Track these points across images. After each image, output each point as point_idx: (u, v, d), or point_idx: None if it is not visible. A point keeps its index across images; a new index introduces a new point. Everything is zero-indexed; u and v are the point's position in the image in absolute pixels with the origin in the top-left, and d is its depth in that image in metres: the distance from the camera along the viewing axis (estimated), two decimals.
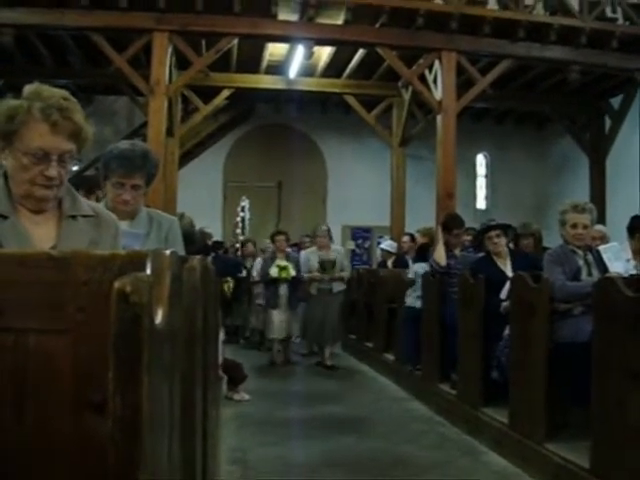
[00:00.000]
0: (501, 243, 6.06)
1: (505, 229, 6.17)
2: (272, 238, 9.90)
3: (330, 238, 9.71)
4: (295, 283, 9.39)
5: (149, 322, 0.77)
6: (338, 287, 9.55)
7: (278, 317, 9.34)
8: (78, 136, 2.02)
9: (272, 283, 9.41)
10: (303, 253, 10.00)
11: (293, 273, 9.29)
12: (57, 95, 1.99)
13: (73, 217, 2.10)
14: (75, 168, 7.94)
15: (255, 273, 10.43)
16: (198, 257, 2.18)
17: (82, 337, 0.90)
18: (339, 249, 10.18)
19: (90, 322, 0.96)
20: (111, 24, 9.27)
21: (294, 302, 9.45)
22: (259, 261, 10.38)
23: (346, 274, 9.72)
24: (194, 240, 5.51)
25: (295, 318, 9.51)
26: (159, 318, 0.88)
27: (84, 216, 2.12)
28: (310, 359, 10.00)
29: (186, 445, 1.66)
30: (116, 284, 0.75)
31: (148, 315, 0.77)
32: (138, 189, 2.95)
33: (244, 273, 11.16)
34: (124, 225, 2.71)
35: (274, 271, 9.28)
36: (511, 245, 6.77)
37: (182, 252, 3.02)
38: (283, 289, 9.38)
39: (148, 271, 0.94)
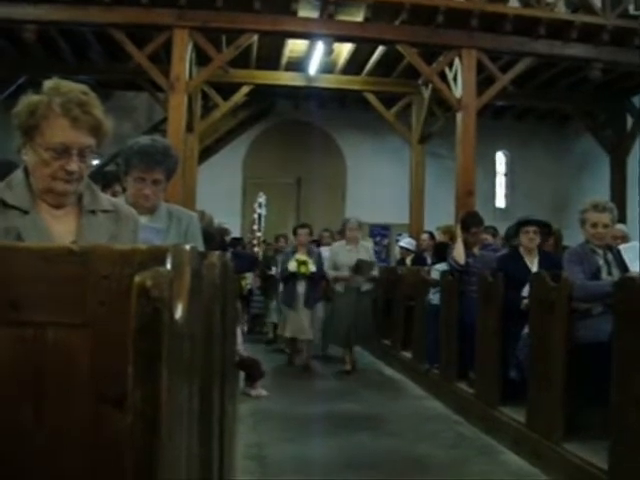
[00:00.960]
0: (536, 239, 6.00)
1: (545, 228, 6.10)
2: (294, 231, 9.38)
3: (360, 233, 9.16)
4: (315, 280, 8.86)
5: (169, 317, 0.77)
6: (366, 285, 8.89)
7: (295, 316, 8.78)
8: (98, 131, 2.03)
9: (290, 278, 8.85)
10: (325, 248, 9.65)
11: (313, 268, 8.73)
12: (76, 90, 2.00)
13: (93, 212, 2.11)
14: (95, 162, 7.99)
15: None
16: (217, 253, 2.19)
17: (102, 331, 0.90)
18: (368, 245, 9.55)
19: (110, 316, 0.96)
20: (132, 20, 9.32)
21: (312, 301, 8.85)
22: (282, 256, 9.89)
23: (375, 273, 9.06)
24: (212, 239, 5.53)
25: (313, 318, 8.86)
26: (179, 313, 0.88)
27: (104, 211, 2.14)
28: (328, 363, 9.35)
29: (204, 441, 1.67)
30: (136, 278, 0.75)
31: (168, 310, 0.77)
32: (158, 184, 2.97)
33: (273, 270, 10.72)
34: (144, 220, 2.73)
35: (293, 265, 8.75)
36: None
37: (201, 248, 3.03)
38: (301, 286, 8.80)
39: (168, 266, 0.94)
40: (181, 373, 0.91)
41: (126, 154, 3.00)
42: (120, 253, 1.01)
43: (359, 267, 8.56)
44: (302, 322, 8.74)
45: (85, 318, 0.95)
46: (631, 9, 10.45)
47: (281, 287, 9.60)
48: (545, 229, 6.12)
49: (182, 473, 0.95)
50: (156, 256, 0.98)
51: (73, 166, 1.99)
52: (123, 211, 2.21)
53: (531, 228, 5.96)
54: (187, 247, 1.06)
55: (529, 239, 5.93)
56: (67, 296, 1.00)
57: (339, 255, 8.81)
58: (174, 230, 2.98)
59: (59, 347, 0.97)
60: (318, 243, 10.64)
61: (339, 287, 8.83)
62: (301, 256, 8.81)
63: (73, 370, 0.96)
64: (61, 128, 1.96)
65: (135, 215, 2.26)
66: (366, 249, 9.05)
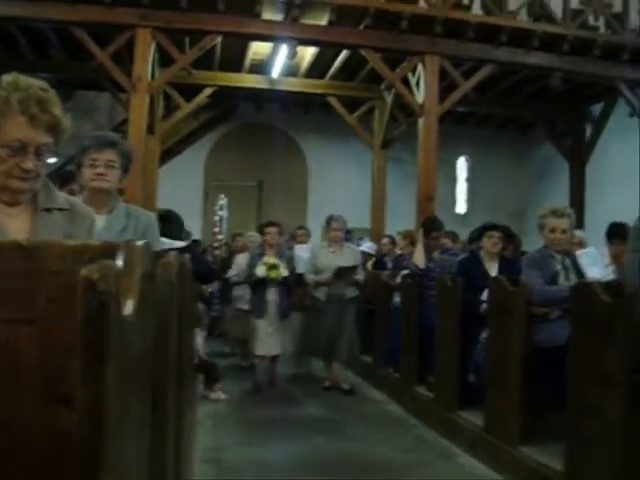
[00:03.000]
0: (500, 244, 6.08)
1: (509, 236, 6.17)
2: (261, 230, 8.23)
3: (347, 233, 8.28)
4: (287, 286, 7.73)
5: (116, 311, 0.75)
6: (351, 292, 7.80)
7: (265, 329, 7.59)
8: (56, 129, 2.00)
9: (258, 285, 7.68)
10: (300, 247, 8.64)
11: (285, 273, 7.59)
12: (35, 86, 1.96)
13: (48, 210, 2.08)
14: (52, 161, 7.89)
15: (235, 271, 9.05)
16: (174, 253, 2.17)
17: (50, 328, 0.88)
18: (354, 248, 8.37)
19: (59, 313, 0.93)
20: (94, 19, 9.18)
21: (285, 310, 7.70)
22: (243, 257, 8.90)
23: (361, 277, 7.91)
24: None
25: (286, 330, 7.78)
26: (129, 309, 0.86)
27: (59, 209, 2.10)
28: (303, 381, 8.28)
29: (157, 442, 1.64)
30: (83, 271, 0.73)
31: (116, 304, 0.75)
32: (113, 167, 2.97)
33: (230, 273, 9.51)
34: (101, 219, 2.70)
35: (261, 270, 7.55)
36: None
37: (159, 247, 3.01)
38: (272, 293, 7.63)
39: (119, 262, 0.92)
40: (130, 370, 0.89)
41: (81, 145, 3.01)
42: (71, 249, 0.98)
43: (341, 274, 7.59)
44: (274, 336, 7.63)
45: (33, 314, 0.92)
46: (590, 20, 10.63)
47: (237, 291, 8.88)
48: (507, 236, 6.20)
49: (131, 474, 0.93)
50: (107, 252, 0.96)
51: (29, 164, 1.95)
52: (79, 210, 2.18)
53: (496, 233, 6.05)
54: (139, 244, 1.05)
55: (493, 243, 6.01)
56: (15, 291, 0.98)
57: (320, 258, 7.77)
58: (132, 229, 2.96)
59: (6, 343, 0.94)
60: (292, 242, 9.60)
61: (320, 294, 7.71)
62: (270, 259, 7.65)
63: (20, 367, 0.93)
64: (18, 125, 1.92)
65: (92, 214, 2.23)
66: (351, 252, 7.97)
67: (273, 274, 7.54)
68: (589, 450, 3.60)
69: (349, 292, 7.73)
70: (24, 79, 1.97)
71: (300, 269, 7.99)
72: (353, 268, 7.68)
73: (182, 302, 2.58)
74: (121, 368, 0.79)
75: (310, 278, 7.77)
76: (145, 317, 1.10)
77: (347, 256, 7.75)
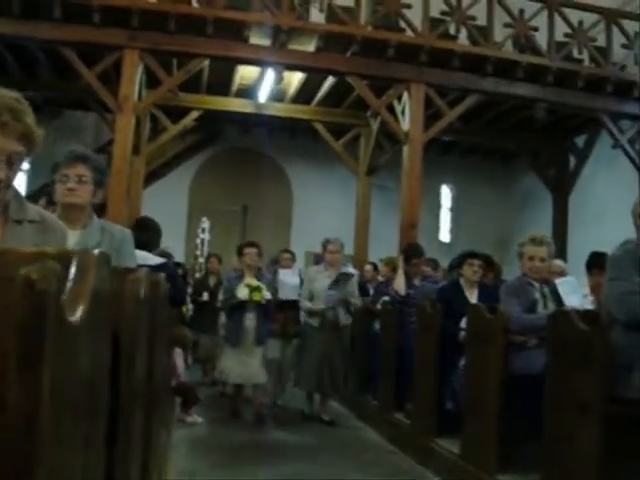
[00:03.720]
0: (480, 272, 6.09)
1: (490, 264, 6.17)
2: (240, 251, 7.68)
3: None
4: (266, 311, 7.31)
5: (57, 313, 0.73)
6: (346, 320, 7.41)
7: (241, 357, 7.15)
8: (28, 138, 1.98)
9: (236, 309, 7.23)
10: (287, 272, 8.13)
11: (268, 296, 7.20)
12: (7, 96, 1.94)
13: (19, 222, 2.05)
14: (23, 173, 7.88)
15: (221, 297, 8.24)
16: (146, 270, 2.15)
17: (3, 335, 0.85)
18: (353, 271, 7.93)
19: (11, 319, 0.91)
20: (83, 39, 9.19)
21: (263, 337, 7.29)
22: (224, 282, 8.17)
23: (358, 302, 7.59)
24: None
25: (261, 357, 7.28)
26: (78, 314, 0.85)
27: (30, 221, 2.08)
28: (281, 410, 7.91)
29: (118, 461, 1.61)
30: (22, 270, 0.71)
31: (56, 306, 0.73)
32: (84, 182, 2.94)
33: (205, 296, 9.23)
34: (74, 235, 2.68)
35: (243, 292, 7.10)
36: None
37: (133, 264, 2.98)
38: (250, 319, 7.18)
39: (73, 268, 0.90)
40: (77, 378, 0.87)
41: (54, 162, 2.99)
42: (26, 255, 0.96)
43: (343, 301, 7.23)
44: (252, 364, 7.16)
45: None
46: (575, 52, 10.76)
47: (223, 319, 8.06)
48: (487, 264, 6.21)
49: None
50: (63, 259, 0.94)
51: (0, 173, 1.93)
52: (51, 223, 2.16)
53: (476, 261, 6.07)
54: (95, 251, 1.03)
55: (473, 272, 6.03)
56: None
57: (316, 283, 7.29)
58: (106, 245, 2.92)
59: None
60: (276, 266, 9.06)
61: (313, 321, 7.30)
62: (252, 280, 7.23)
63: None
64: None
65: (63, 228, 2.21)
66: (347, 278, 7.48)
67: (256, 296, 7.11)
68: (564, 479, 3.58)
69: (345, 319, 7.33)
70: None
71: (284, 294, 7.70)
72: (351, 275, 7.45)
73: (153, 320, 2.55)
74: (63, 374, 0.77)
75: (305, 306, 7.36)
76: (100, 328, 1.08)
77: (345, 282, 7.35)
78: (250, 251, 7.45)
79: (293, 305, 7.59)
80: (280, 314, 7.68)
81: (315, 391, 7.42)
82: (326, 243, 7.43)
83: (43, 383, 0.68)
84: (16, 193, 2.08)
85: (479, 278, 6.11)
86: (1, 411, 0.66)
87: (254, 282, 7.21)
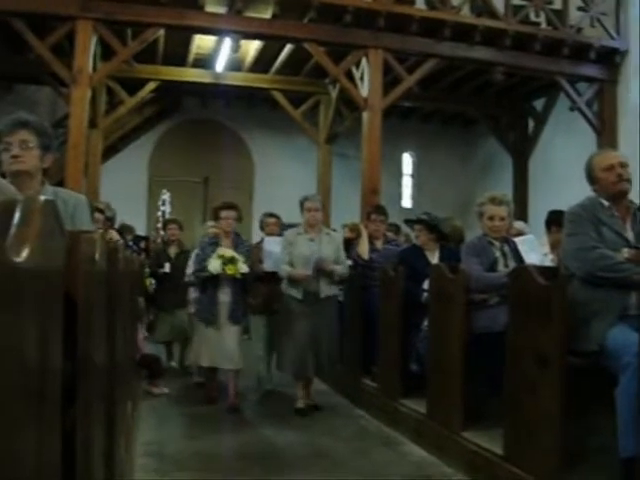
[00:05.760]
0: (422, 237, 6.13)
1: (429, 226, 6.13)
2: (215, 214, 6.67)
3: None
4: (243, 284, 6.43)
5: None
6: (329, 290, 6.35)
7: (214, 336, 6.32)
8: None
9: (210, 283, 6.36)
10: (274, 240, 7.04)
11: (244, 269, 6.23)
12: None
13: None
14: None
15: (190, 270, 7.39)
16: (100, 232, 2.12)
17: None
18: (335, 234, 6.88)
19: None
20: (33, 9, 8.95)
21: (238, 314, 6.43)
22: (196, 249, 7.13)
23: (343, 270, 6.44)
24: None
25: (238, 337, 6.43)
26: (22, 257, 0.83)
27: None
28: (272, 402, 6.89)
29: (81, 427, 1.59)
30: None
31: None
32: (29, 148, 2.88)
33: (167, 268, 8.15)
34: None
35: (215, 264, 6.19)
36: None
37: (90, 229, 2.94)
38: (225, 294, 6.35)
39: (17, 213, 0.88)
40: (20, 328, 0.85)
41: None
42: None
43: (320, 269, 6.21)
44: (226, 344, 6.30)
45: None
46: (532, 15, 10.78)
47: (194, 293, 7.28)
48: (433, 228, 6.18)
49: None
50: (6, 207, 0.92)
51: None
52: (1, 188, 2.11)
53: (417, 226, 6.17)
54: (42, 199, 1.01)
55: (416, 236, 6.18)
56: None
57: (296, 246, 6.31)
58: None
59: None
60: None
61: (294, 292, 6.25)
62: (226, 251, 6.29)
63: None
64: None
65: (13, 191, 2.15)
66: (332, 238, 6.53)
67: (230, 270, 6.18)
68: (527, 432, 3.64)
69: (327, 290, 6.31)
70: None
71: (269, 265, 6.85)
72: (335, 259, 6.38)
73: (113, 285, 2.53)
74: (2, 313, 0.75)
75: (285, 270, 6.27)
76: (49, 278, 1.06)
77: (328, 244, 6.38)
78: (228, 214, 6.48)
79: (279, 277, 6.52)
80: (263, 287, 6.88)
81: (298, 375, 6.34)
82: (304, 201, 6.45)
83: None
84: None
85: (425, 242, 6.11)
86: None
87: (228, 252, 6.26)
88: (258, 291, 6.91)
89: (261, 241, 7.42)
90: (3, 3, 8.83)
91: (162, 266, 8.16)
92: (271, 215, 7.90)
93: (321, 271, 6.20)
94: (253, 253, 6.92)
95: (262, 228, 7.87)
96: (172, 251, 8.39)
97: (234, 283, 6.33)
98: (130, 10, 9.31)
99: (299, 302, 6.21)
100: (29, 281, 0.87)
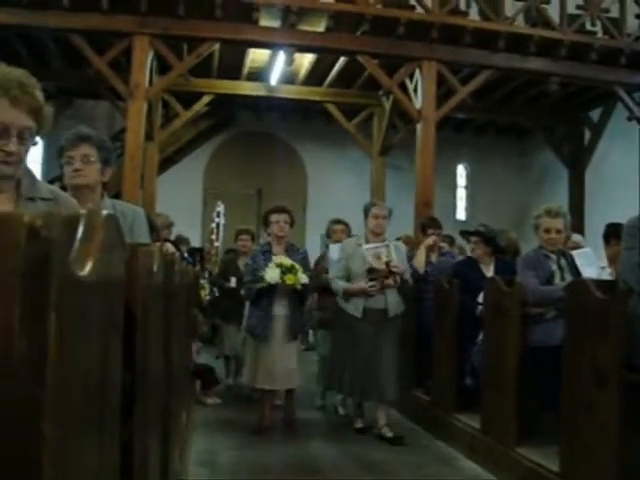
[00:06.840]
0: (477, 250, 6.07)
1: (486, 239, 6.06)
2: (265, 219, 6.05)
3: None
4: (301, 296, 5.86)
5: (61, 263, 0.73)
6: (396, 307, 5.78)
7: (268, 355, 5.74)
8: (38, 113, 1.99)
9: (263, 295, 5.75)
10: (336, 246, 6.42)
11: (304, 279, 5.66)
12: (15, 72, 1.96)
13: (31, 199, 2.06)
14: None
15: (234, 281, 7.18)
16: (158, 244, 2.15)
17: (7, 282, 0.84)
18: (400, 245, 6.37)
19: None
20: (92, 26, 9.18)
21: (297, 329, 5.89)
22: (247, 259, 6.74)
23: (409, 278, 5.98)
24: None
25: (296, 354, 5.89)
26: (86, 270, 0.85)
27: (43, 199, 2.09)
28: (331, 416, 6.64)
29: (138, 434, 1.62)
30: (25, 218, 0.71)
31: (61, 255, 0.73)
32: (90, 162, 2.94)
33: (233, 282, 7.52)
34: None
35: (273, 274, 5.57)
36: None
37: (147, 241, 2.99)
38: (281, 306, 5.78)
39: (81, 227, 0.90)
40: (84, 336, 0.87)
41: (58, 146, 3.01)
42: (38, 218, 0.96)
43: (391, 270, 5.61)
44: (285, 364, 5.76)
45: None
46: (587, 24, 10.62)
47: (246, 308, 6.47)
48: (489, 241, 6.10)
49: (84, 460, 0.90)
50: (71, 221, 0.94)
51: (12, 147, 1.94)
52: (63, 199, 2.17)
53: (473, 238, 6.08)
54: (104, 213, 1.03)
55: (472, 249, 6.07)
56: None
57: (355, 257, 5.74)
58: None
59: None
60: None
61: (352, 308, 5.70)
62: (284, 259, 5.69)
63: None
64: (0, 107, 1.91)
65: (75, 204, 2.21)
66: (397, 249, 5.95)
67: (290, 280, 5.59)
68: (584, 449, 3.57)
69: (393, 307, 5.75)
70: (4, 67, 1.97)
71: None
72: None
73: (169, 296, 2.56)
74: (70, 324, 0.77)
75: (339, 285, 5.78)
76: (111, 290, 1.08)
77: (395, 252, 5.80)
78: (279, 218, 5.90)
79: None
80: (329, 298, 6.22)
81: (354, 397, 5.98)
82: (370, 206, 5.95)
83: (49, 332, 0.68)
84: (28, 171, 2.09)
85: (480, 255, 6.03)
86: (8, 360, 0.66)
87: (287, 261, 5.66)
88: (323, 303, 6.54)
89: (327, 249, 7.01)
90: (64, 21, 9.06)
91: (228, 280, 7.63)
92: (338, 222, 7.32)
93: (389, 277, 5.61)
94: (319, 263, 6.75)
95: (329, 236, 7.33)
96: (241, 262, 7.54)
97: (291, 294, 5.76)
98: (186, 25, 9.45)
99: (360, 321, 5.65)
100: (92, 294, 0.89)
